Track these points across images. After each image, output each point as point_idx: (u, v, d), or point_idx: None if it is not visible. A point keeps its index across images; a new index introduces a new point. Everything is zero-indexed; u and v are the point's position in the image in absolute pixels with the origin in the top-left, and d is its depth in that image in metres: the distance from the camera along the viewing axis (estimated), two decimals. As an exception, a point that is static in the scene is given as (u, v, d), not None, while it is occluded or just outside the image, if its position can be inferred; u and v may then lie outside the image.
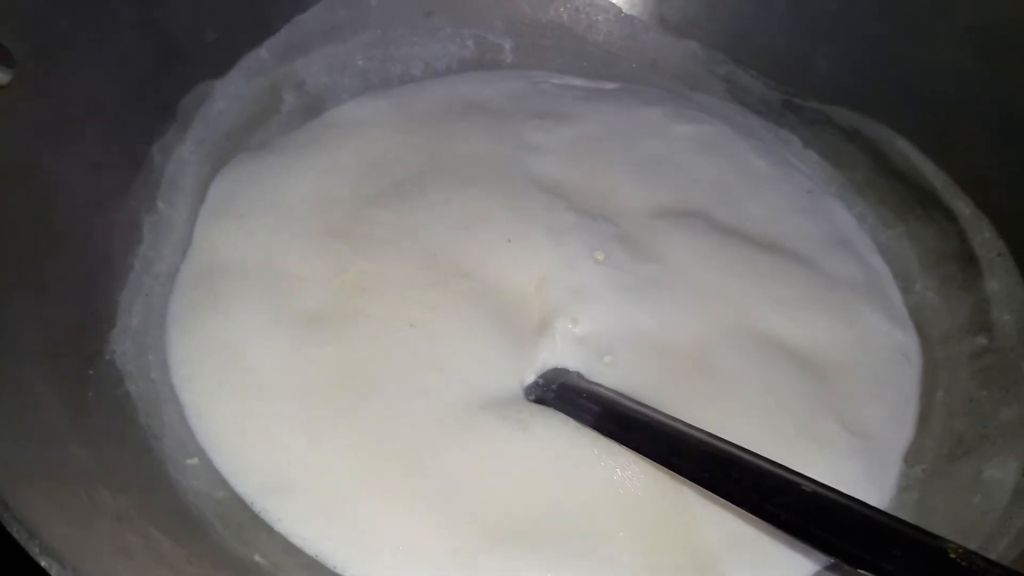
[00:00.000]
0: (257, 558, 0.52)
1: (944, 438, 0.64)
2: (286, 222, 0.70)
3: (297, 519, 0.55)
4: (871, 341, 0.69)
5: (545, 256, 0.68)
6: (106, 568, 0.41)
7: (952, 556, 0.44)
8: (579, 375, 0.63)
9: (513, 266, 0.67)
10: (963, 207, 0.73)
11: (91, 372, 0.56)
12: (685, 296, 0.68)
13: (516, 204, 0.72)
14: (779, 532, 0.51)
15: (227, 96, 0.75)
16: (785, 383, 0.65)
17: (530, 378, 0.63)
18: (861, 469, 0.61)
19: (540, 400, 0.62)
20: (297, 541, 0.54)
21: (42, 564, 0.38)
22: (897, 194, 0.78)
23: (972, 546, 0.47)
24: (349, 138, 0.77)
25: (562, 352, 0.64)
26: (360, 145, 0.77)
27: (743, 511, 0.51)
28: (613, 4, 0.89)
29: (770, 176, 0.80)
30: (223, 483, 0.56)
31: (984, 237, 0.71)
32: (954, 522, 0.58)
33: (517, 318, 0.65)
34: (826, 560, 0.56)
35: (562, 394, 0.61)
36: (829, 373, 0.66)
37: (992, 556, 0.47)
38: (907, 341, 0.70)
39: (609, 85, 0.87)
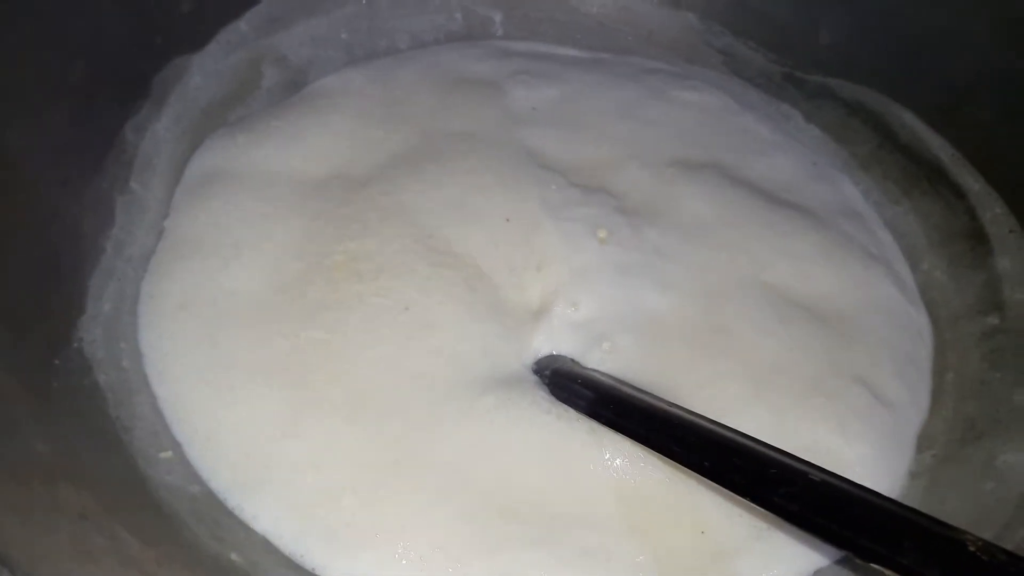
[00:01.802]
0: (233, 556, 0.50)
1: (955, 422, 0.62)
2: (270, 201, 0.66)
3: (275, 516, 0.52)
4: (887, 309, 0.67)
5: (545, 236, 0.65)
6: (64, 572, 0.39)
7: (971, 549, 0.41)
8: (572, 361, 0.60)
9: (512, 247, 0.64)
10: (972, 182, 0.70)
11: (56, 361, 0.53)
12: (697, 253, 0.66)
13: (512, 181, 0.68)
14: (788, 524, 0.49)
15: (204, 71, 0.72)
16: (801, 338, 0.62)
17: (528, 363, 0.61)
18: (877, 434, 0.59)
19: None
20: (274, 539, 0.52)
21: (-10, 570, 0.35)
22: (903, 169, 0.75)
23: (986, 536, 0.44)
24: (335, 112, 0.74)
25: (559, 338, 0.61)
26: (347, 120, 0.73)
27: (749, 502, 0.49)
28: (607, -26, 0.86)
29: (776, 143, 0.78)
30: (198, 478, 0.54)
31: (995, 213, 0.68)
32: (966, 510, 0.55)
33: (517, 301, 0.62)
34: (837, 554, 0.54)
35: (555, 380, 0.59)
36: (846, 334, 0.64)
37: (1008, 547, 0.45)
38: (919, 319, 0.68)
39: (604, 56, 0.84)
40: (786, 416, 0.58)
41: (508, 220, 0.66)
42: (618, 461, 0.55)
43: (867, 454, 0.58)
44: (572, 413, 0.56)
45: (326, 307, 0.60)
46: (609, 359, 0.60)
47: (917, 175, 0.74)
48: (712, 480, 0.50)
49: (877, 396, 0.61)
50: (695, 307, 0.63)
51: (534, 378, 0.59)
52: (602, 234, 0.65)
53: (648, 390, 0.57)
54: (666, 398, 0.56)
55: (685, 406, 0.56)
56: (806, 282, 0.66)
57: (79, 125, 0.61)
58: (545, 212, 0.66)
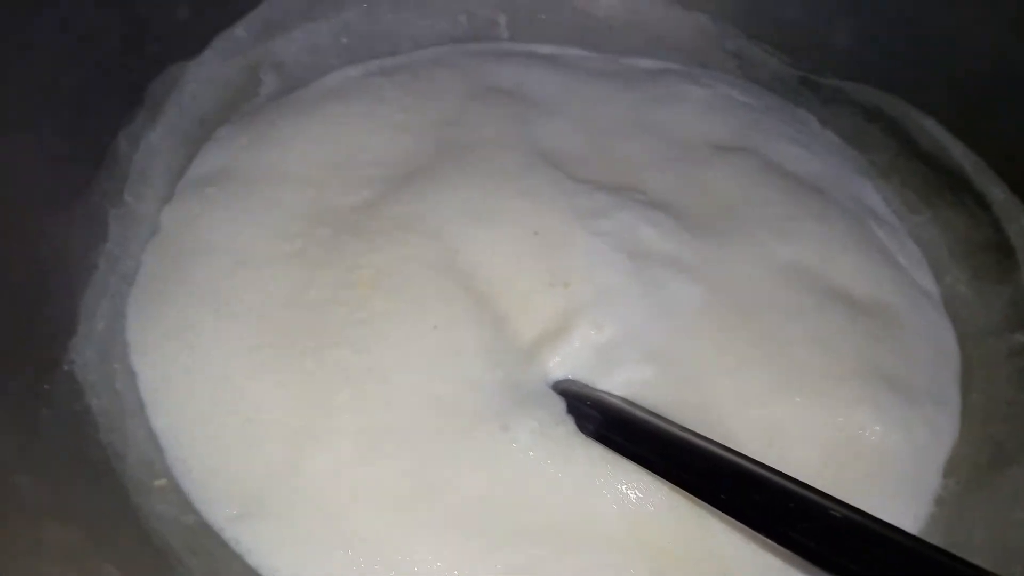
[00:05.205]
0: (229, 591, 0.48)
1: (982, 446, 0.59)
2: (283, 209, 0.64)
3: (273, 549, 0.50)
4: (915, 316, 0.65)
5: (574, 252, 0.62)
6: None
7: (1005, 594, 0.39)
8: (584, 385, 0.58)
9: (540, 263, 0.61)
10: (997, 192, 0.67)
11: (46, 387, 0.51)
12: (729, 236, 0.64)
13: (537, 191, 0.65)
14: (806, 562, 0.46)
15: (200, 79, 0.70)
16: (833, 323, 0.61)
17: (549, 384, 0.58)
18: (912, 429, 0.58)
19: None
20: (271, 573, 0.49)
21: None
22: (924, 178, 0.73)
23: (1016, 569, 0.42)
24: (342, 116, 0.71)
25: (579, 361, 0.58)
26: (356, 124, 0.71)
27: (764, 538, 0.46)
28: (616, -26, 0.84)
29: (798, 140, 0.75)
30: (192, 508, 0.51)
31: (1021, 225, 0.65)
32: (994, 541, 0.53)
33: (544, 320, 0.59)
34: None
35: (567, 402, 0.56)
36: (876, 328, 0.62)
37: (1040, 583, 0.42)
38: (946, 333, 0.65)
39: (613, 57, 0.82)
40: (822, 400, 0.57)
41: (536, 234, 0.62)
42: (633, 493, 0.52)
43: (907, 444, 0.57)
44: (596, 443, 0.54)
45: (354, 323, 0.57)
46: (630, 385, 0.57)
47: (939, 184, 0.71)
48: (726, 513, 0.48)
49: (910, 397, 0.59)
50: (726, 293, 0.61)
51: (560, 401, 0.56)
52: (646, 232, 0.63)
53: (679, 404, 0.55)
54: (695, 392, 0.55)
55: (715, 394, 0.55)
56: (837, 268, 0.65)
57: (70, 135, 0.59)
58: (574, 224, 0.63)
